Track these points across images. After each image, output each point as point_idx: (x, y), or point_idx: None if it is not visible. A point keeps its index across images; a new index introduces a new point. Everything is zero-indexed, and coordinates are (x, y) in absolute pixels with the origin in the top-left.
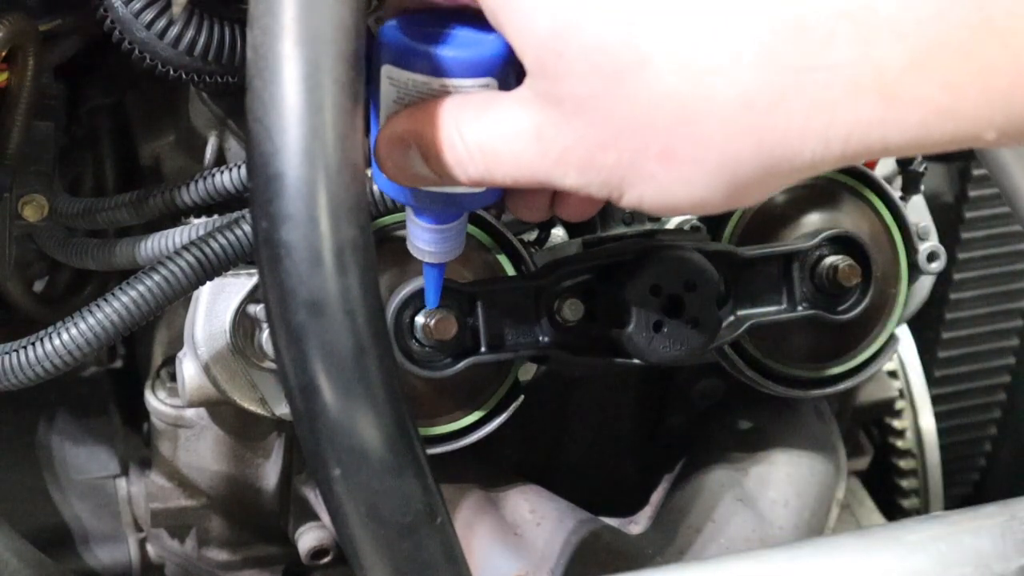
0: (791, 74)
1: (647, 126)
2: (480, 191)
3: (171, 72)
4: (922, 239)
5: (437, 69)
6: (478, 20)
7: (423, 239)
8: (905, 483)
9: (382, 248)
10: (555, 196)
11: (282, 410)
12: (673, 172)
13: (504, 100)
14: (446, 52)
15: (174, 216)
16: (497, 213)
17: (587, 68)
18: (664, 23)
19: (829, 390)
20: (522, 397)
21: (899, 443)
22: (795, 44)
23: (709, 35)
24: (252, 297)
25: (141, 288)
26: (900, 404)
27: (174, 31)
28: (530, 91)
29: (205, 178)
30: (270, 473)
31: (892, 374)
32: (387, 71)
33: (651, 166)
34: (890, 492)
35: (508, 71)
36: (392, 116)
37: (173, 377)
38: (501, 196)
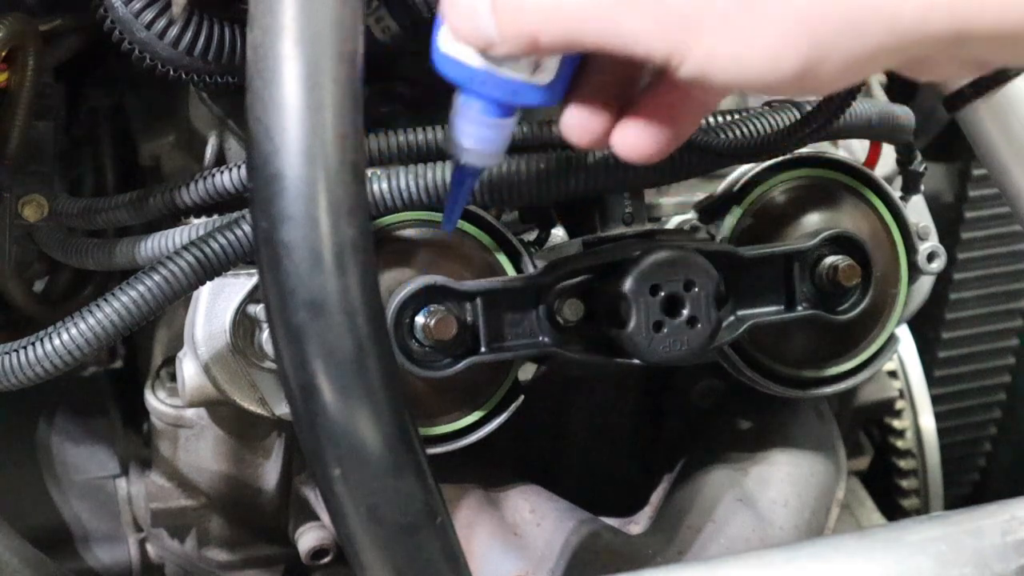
0: None
1: None
2: (539, 85)
3: (171, 72)
4: (922, 239)
5: None
6: None
7: (466, 134)
8: (905, 483)
9: (382, 248)
10: (614, 122)
11: (282, 410)
12: (746, 21)
13: None
14: None
15: (174, 216)
16: (497, 213)
17: None
18: None
19: (829, 390)
20: (522, 397)
21: (899, 443)
22: None
23: None
24: (252, 297)
25: (141, 288)
26: (900, 404)
27: (174, 31)
28: None
29: (205, 178)
30: (270, 473)
31: (892, 374)
32: None
33: (726, 10)
34: (890, 492)
35: None
36: None
37: (173, 377)
38: (559, 97)
